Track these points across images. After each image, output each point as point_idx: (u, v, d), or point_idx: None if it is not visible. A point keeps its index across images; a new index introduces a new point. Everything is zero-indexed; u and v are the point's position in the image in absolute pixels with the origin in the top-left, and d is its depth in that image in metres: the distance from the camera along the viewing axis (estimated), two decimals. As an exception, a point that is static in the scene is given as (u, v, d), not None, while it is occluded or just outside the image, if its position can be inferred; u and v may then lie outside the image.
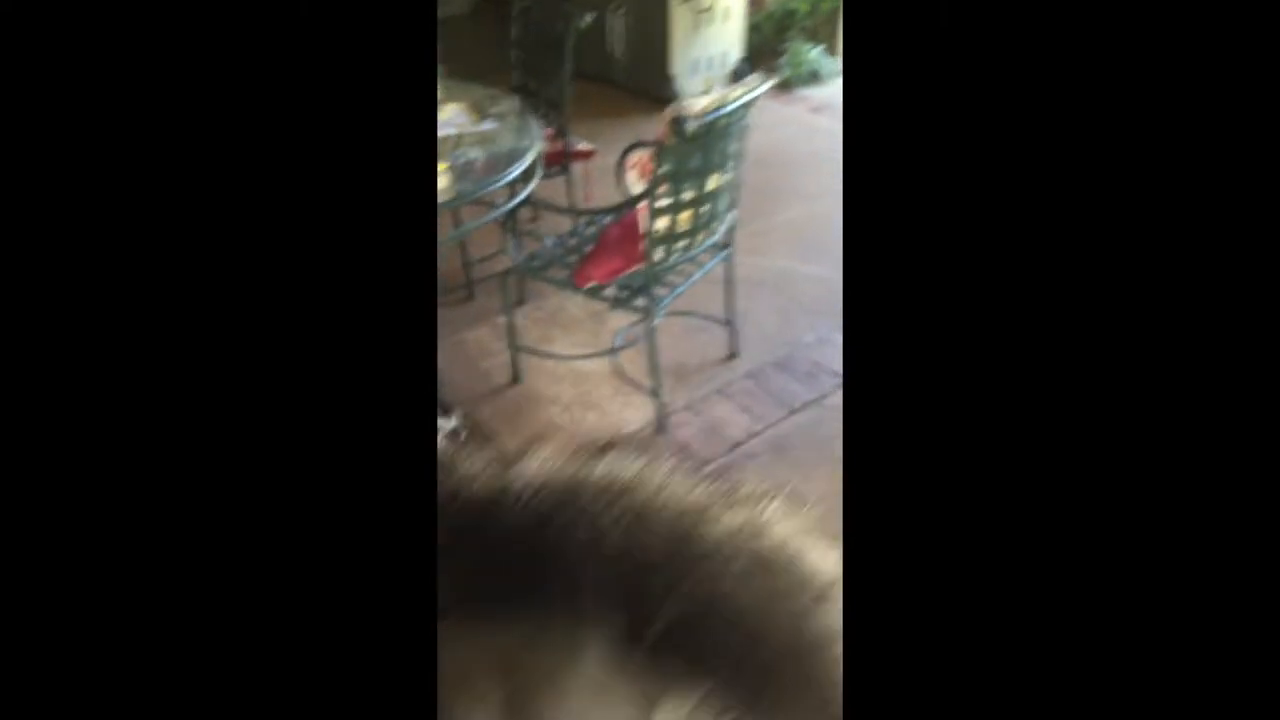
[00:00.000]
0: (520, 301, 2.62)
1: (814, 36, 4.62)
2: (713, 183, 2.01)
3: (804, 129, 4.00)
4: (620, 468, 0.27)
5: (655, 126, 3.89)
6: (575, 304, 2.55)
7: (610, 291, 2.06)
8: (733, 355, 2.45)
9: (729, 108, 1.90)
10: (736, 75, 4.38)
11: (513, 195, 2.16)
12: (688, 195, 1.95)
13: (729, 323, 2.42)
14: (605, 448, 0.28)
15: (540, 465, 0.27)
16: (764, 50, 4.55)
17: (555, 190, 2.72)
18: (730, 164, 2.05)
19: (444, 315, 2.63)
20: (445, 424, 1.75)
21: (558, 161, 2.68)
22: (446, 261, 2.73)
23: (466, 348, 2.51)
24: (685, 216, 1.99)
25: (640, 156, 2.19)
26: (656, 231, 1.94)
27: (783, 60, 4.54)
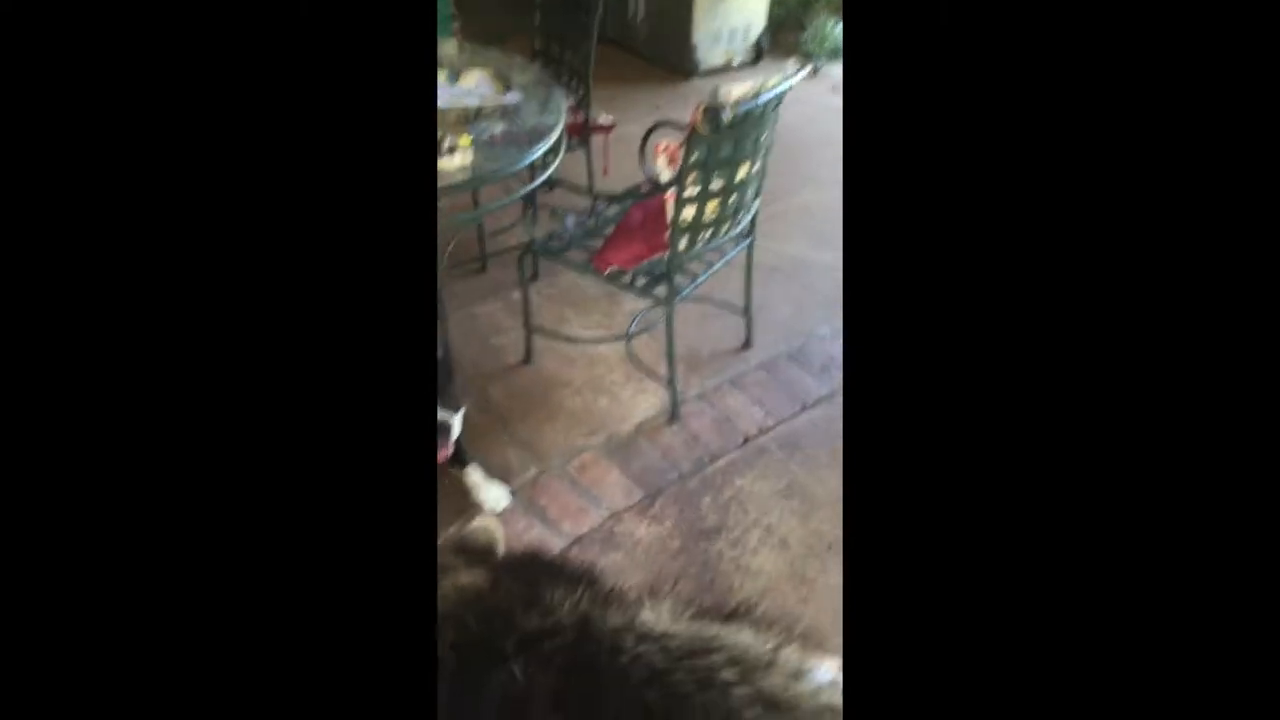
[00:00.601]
0: (534, 277, 2.58)
1: (839, 11, 4.53)
2: (742, 172, 1.96)
3: (822, 109, 3.93)
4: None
5: (672, 94, 3.81)
6: (589, 282, 2.51)
7: (630, 278, 2.02)
8: (747, 344, 2.43)
9: (765, 97, 1.84)
10: (758, 49, 4.30)
11: (533, 172, 2.11)
12: (716, 185, 1.91)
13: (745, 311, 2.40)
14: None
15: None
16: (788, 23, 4.45)
17: (574, 162, 2.66)
18: (761, 153, 2.01)
19: (457, 288, 2.59)
20: (454, 419, 1.71)
21: (577, 134, 2.62)
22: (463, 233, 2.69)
23: (478, 322, 2.47)
24: (712, 206, 1.95)
25: (668, 142, 2.13)
26: (682, 221, 1.90)
27: (805, 35, 4.45)
